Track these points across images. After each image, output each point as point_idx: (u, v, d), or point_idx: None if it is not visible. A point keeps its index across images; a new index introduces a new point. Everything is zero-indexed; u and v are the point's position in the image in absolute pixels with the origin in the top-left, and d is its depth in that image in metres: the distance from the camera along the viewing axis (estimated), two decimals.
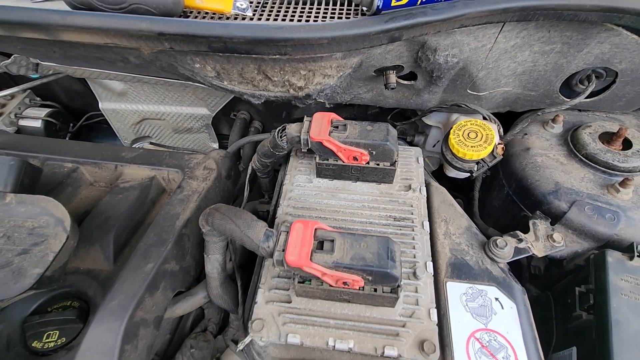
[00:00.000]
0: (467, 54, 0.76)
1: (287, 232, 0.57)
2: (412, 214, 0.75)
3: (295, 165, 0.85)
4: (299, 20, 0.64)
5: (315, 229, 0.57)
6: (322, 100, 0.91)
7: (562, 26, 0.75)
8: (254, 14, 0.66)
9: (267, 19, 0.65)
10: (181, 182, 0.86)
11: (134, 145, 1.48)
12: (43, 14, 0.59)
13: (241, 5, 0.63)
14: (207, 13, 0.66)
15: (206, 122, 1.48)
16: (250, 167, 0.93)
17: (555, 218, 0.79)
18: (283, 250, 0.55)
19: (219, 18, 0.65)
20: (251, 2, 0.68)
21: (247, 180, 0.95)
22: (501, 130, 0.94)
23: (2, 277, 0.58)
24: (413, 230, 0.72)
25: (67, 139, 1.57)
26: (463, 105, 0.93)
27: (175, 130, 1.56)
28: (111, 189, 0.87)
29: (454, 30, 0.68)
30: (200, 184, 0.86)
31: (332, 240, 0.56)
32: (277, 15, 0.66)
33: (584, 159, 0.84)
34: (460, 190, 1.20)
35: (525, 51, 0.81)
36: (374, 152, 0.72)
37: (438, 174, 1.10)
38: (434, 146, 1.18)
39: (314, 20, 0.63)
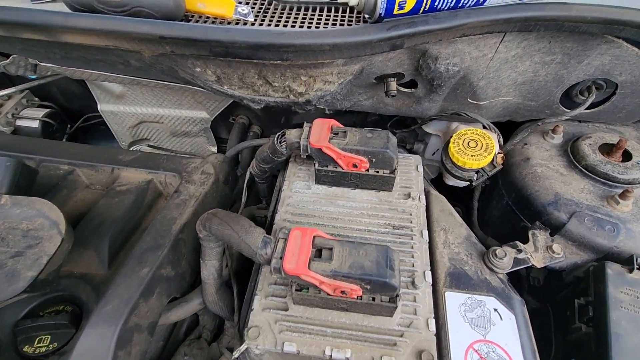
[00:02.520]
0: (467, 63, 0.76)
1: (285, 240, 0.56)
2: (411, 222, 0.74)
3: (294, 172, 0.84)
4: (301, 27, 0.64)
5: (314, 237, 0.57)
6: (322, 107, 0.91)
7: (563, 37, 0.76)
8: (255, 20, 0.66)
9: (269, 25, 0.65)
10: (178, 186, 0.85)
11: (131, 148, 1.47)
12: (44, 15, 0.59)
13: (243, 10, 0.63)
14: (208, 17, 0.66)
15: (205, 126, 1.47)
16: (248, 172, 0.93)
17: (555, 229, 0.79)
18: (281, 258, 0.54)
19: (220, 23, 0.65)
20: (253, 8, 0.68)
21: (244, 185, 0.94)
22: (501, 139, 0.94)
23: None
24: (412, 239, 0.72)
25: (63, 140, 1.56)
26: (463, 114, 0.93)
27: (173, 134, 1.55)
28: (107, 192, 0.86)
29: (455, 39, 0.68)
30: (197, 188, 0.85)
31: (331, 249, 0.55)
32: (279, 21, 0.66)
33: (583, 170, 0.84)
34: (459, 199, 1.20)
35: (526, 61, 0.81)
36: (374, 160, 0.72)
37: (437, 182, 1.10)
38: (433, 154, 1.18)
39: (316, 27, 0.63)
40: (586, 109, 0.90)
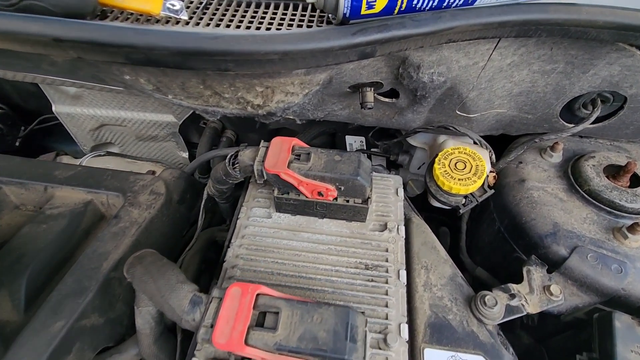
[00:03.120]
0: (456, 72, 0.65)
1: (221, 299, 0.45)
2: (386, 260, 0.63)
3: (254, 195, 0.72)
4: (248, 28, 0.51)
5: (257, 295, 0.45)
6: (291, 117, 0.79)
7: (567, 44, 0.65)
8: (191, 18, 0.53)
9: (208, 24, 0.52)
10: (119, 210, 0.73)
11: (93, 153, 1.34)
12: None
13: (173, 5, 0.50)
14: (132, 14, 0.53)
15: (172, 130, 1.34)
16: (205, 193, 0.81)
17: (553, 265, 0.68)
18: (212, 326, 0.43)
19: (147, 21, 0.52)
20: (191, 3, 0.55)
21: (202, 207, 0.82)
22: (493, 156, 0.83)
23: None
24: (387, 282, 0.60)
25: (17, 144, 1.42)
26: (451, 128, 0.82)
27: (139, 138, 1.42)
28: (34, 216, 0.73)
29: (440, 45, 0.56)
30: (142, 213, 0.73)
31: (277, 313, 0.44)
32: (221, 21, 0.53)
33: (586, 195, 0.74)
34: (447, 215, 1.09)
35: (523, 70, 0.70)
36: (342, 188, 0.60)
37: (423, 198, 0.99)
38: (419, 168, 1.07)
39: (268, 29, 0.51)
40: (590, 123, 0.79)
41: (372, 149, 1.20)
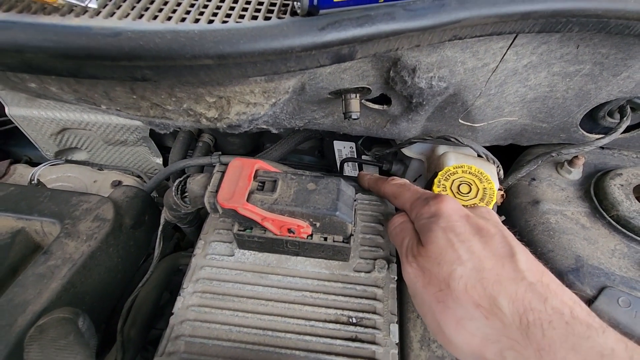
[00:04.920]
0: (460, 76, 0.52)
1: None
2: (374, 311, 0.51)
3: (215, 225, 0.60)
4: (183, 20, 0.37)
5: None
6: (264, 128, 0.66)
7: (597, 40, 0.52)
8: (105, 6, 0.39)
9: (127, 16, 0.38)
10: (51, 244, 0.60)
11: (48, 162, 1.20)
12: None
13: None
14: (22, 0, 0.39)
15: (143, 134, 1.20)
16: (162, 218, 0.68)
17: None
18: None
19: (43, 10, 0.38)
20: None
21: (159, 233, 0.70)
22: (501, 172, 0.71)
23: None
24: (374, 341, 0.48)
25: None
26: (452, 139, 0.70)
27: (107, 143, 1.29)
28: None
29: (442, 43, 0.43)
30: (79, 246, 0.60)
31: None
32: (147, 10, 0.38)
33: (613, 222, 0.62)
34: None
35: (541, 72, 0.58)
36: (318, 224, 0.48)
37: None
38: (414, 180, 0.94)
39: (210, 22, 0.37)
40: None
41: (363, 157, 1.08)
